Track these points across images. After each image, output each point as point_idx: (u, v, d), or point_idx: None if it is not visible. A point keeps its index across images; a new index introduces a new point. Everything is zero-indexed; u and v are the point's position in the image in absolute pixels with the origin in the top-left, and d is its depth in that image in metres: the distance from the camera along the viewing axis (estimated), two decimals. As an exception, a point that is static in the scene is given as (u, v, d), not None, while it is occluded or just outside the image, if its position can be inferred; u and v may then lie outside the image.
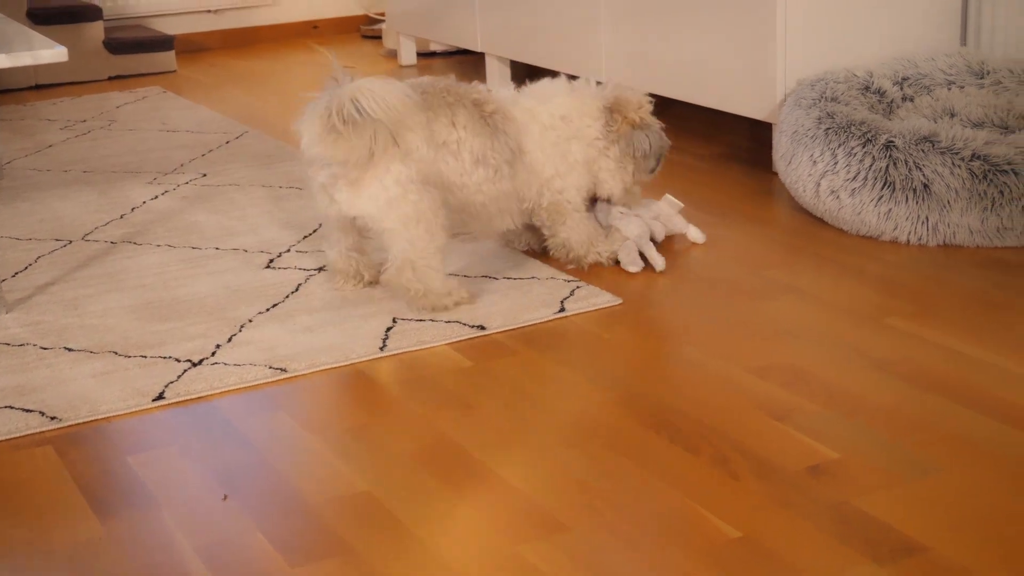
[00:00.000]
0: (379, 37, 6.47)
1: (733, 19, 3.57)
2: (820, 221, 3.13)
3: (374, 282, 2.80)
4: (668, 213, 3.02)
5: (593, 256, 2.89)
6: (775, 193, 3.44)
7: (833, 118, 3.05)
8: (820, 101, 3.15)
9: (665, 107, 4.45)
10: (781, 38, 3.41)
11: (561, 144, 2.84)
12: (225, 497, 1.98)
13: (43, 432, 2.24)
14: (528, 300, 2.72)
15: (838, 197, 2.99)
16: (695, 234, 3.04)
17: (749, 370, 2.35)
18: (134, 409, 2.31)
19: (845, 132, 3.00)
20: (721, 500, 1.91)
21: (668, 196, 3.03)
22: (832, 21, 3.46)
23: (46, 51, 2.74)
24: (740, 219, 3.22)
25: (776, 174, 3.56)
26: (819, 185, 3.03)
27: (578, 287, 2.78)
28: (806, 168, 3.06)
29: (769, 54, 3.45)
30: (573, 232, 2.87)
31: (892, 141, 2.92)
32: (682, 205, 3.04)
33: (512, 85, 4.97)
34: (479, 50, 5.01)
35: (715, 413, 2.19)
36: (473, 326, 2.60)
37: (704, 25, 3.70)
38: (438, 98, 2.69)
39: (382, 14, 6.58)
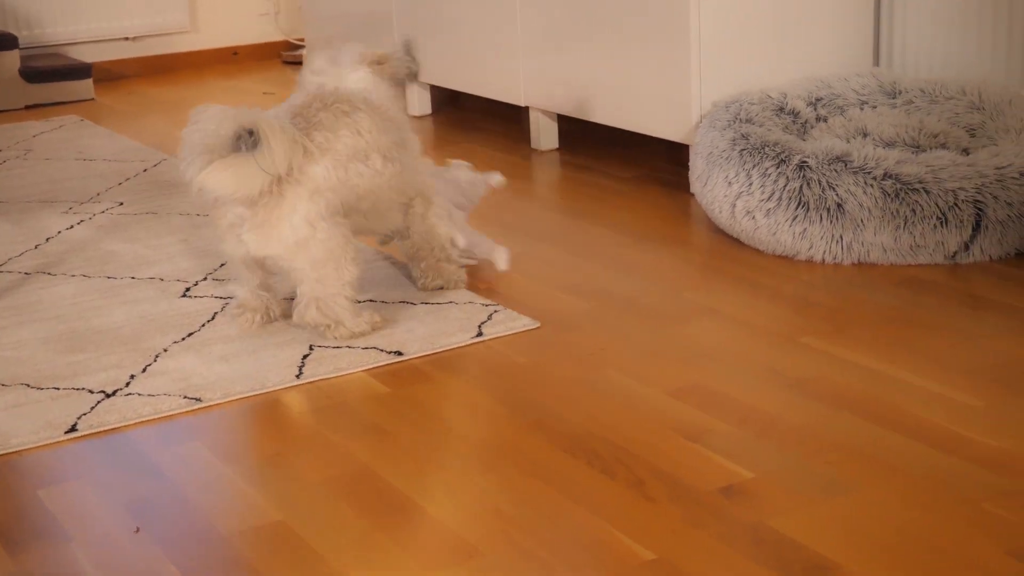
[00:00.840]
0: (300, 63, 6.45)
1: (648, 41, 3.60)
2: (737, 241, 3.16)
3: (285, 316, 2.77)
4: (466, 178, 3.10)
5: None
6: (692, 214, 3.46)
7: (747, 139, 3.08)
8: (735, 122, 3.18)
9: (587, 131, 4.48)
10: (696, 60, 3.44)
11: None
12: (137, 530, 1.96)
13: (-49, 467, 2.20)
14: (446, 325, 2.72)
15: (753, 217, 3.01)
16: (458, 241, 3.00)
17: (666, 392, 2.36)
18: (46, 442, 2.28)
19: (759, 153, 3.03)
20: (636, 523, 1.91)
21: (456, 161, 3.13)
22: (746, 42, 3.50)
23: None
24: (658, 241, 3.24)
25: (693, 195, 3.59)
26: (735, 206, 3.06)
27: (496, 311, 2.78)
28: (721, 189, 3.09)
29: (684, 76, 3.48)
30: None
31: (806, 161, 2.95)
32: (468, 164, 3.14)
33: (429, 109, 4.99)
34: (400, 75, 4.99)
35: (631, 436, 2.20)
36: (390, 352, 2.59)
37: (620, 47, 3.72)
38: (332, 112, 2.66)
39: (302, 40, 6.56)
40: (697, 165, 3.23)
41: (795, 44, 3.57)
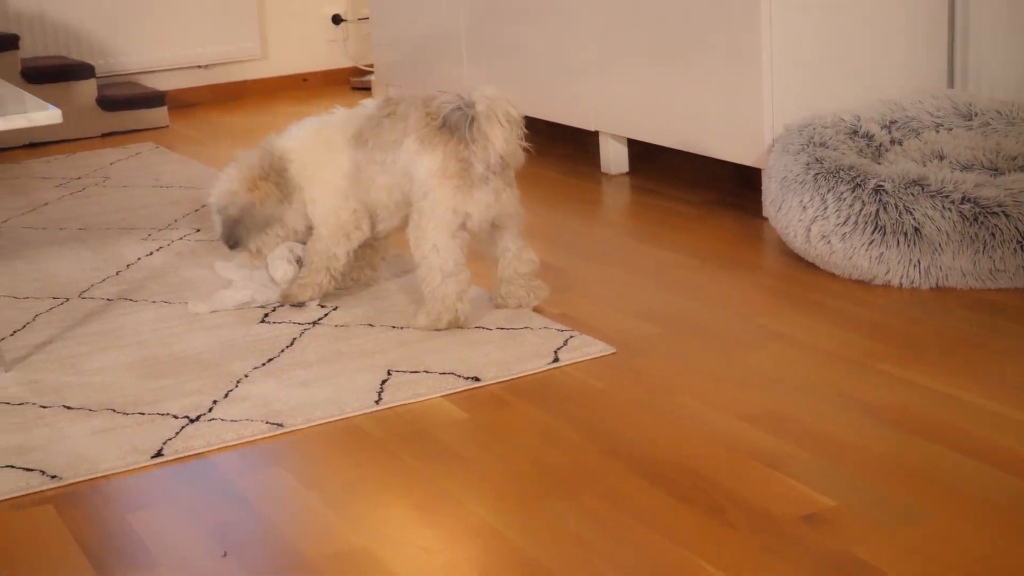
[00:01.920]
0: (369, 88, 6.52)
1: (720, 65, 3.61)
2: (811, 266, 3.16)
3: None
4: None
5: None
6: (765, 239, 3.46)
7: (822, 163, 3.09)
8: (808, 146, 3.18)
9: (655, 154, 4.49)
10: (768, 84, 3.45)
11: None
12: (224, 554, 1.99)
13: (43, 491, 2.25)
14: (522, 350, 2.74)
15: (829, 242, 3.01)
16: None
17: (741, 418, 2.37)
18: (133, 467, 2.32)
19: (834, 177, 3.03)
20: (717, 550, 1.92)
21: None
22: (818, 66, 3.50)
23: (41, 113, 2.77)
24: (731, 265, 3.24)
25: (765, 219, 3.59)
26: (809, 230, 3.06)
27: (571, 336, 2.80)
28: (796, 214, 3.09)
29: (756, 99, 3.49)
30: None
31: (882, 185, 2.95)
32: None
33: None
34: (469, 100, 5.03)
35: (708, 462, 2.20)
36: (467, 377, 2.62)
37: (691, 71, 3.74)
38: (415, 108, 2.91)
39: (371, 66, 6.63)
40: (771, 189, 3.23)
41: (868, 66, 3.57)
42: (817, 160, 3.11)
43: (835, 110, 3.45)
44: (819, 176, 3.06)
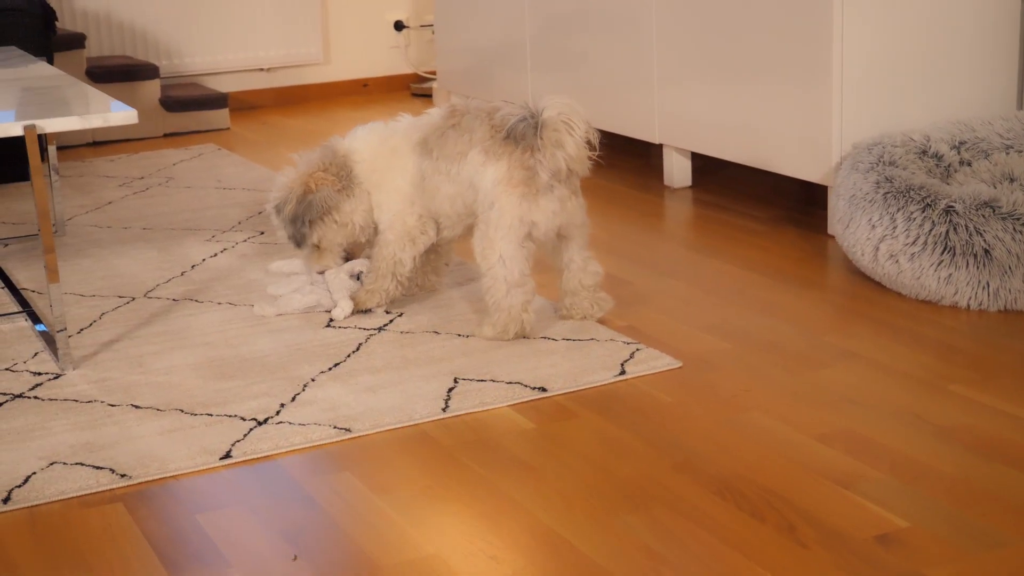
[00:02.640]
0: (429, 95, 6.54)
1: (789, 81, 3.59)
2: (878, 285, 3.14)
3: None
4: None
5: None
6: (830, 256, 3.44)
7: (892, 182, 3.07)
8: (878, 165, 3.16)
9: (718, 168, 4.48)
10: (837, 101, 3.43)
11: None
12: (295, 557, 2.00)
13: (113, 489, 2.27)
14: (588, 362, 2.73)
15: (897, 261, 2.99)
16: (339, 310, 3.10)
17: (812, 436, 2.35)
18: (202, 467, 2.33)
19: (904, 196, 3.01)
20: (790, 568, 1.91)
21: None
22: (888, 85, 3.48)
23: (117, 113, 2.79)
24: (796, 282, 3.23)
25: (831, 237, 3.57)
26: (878, 249, 3.04)
27: (638, 349, 2.79)
28: (864, 232, 3.07)
29: (825, 117, 3.47)
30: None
31: (952, 206, 2.92)
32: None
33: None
34: (531, 110, 5.04)
35: (779, 479, 2.19)
36: (535, 387, 2.62)
37: (759, 87, 3.72)
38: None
39: (432, 72, 6.65)
40: (839, 207, 3.21)
41: (937, 87, 3.55)
42: (887, 179, 3.09)
43: (903, 130, 3.43)
44: (889, 195, 3.04)
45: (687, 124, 4.10)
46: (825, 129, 3.48)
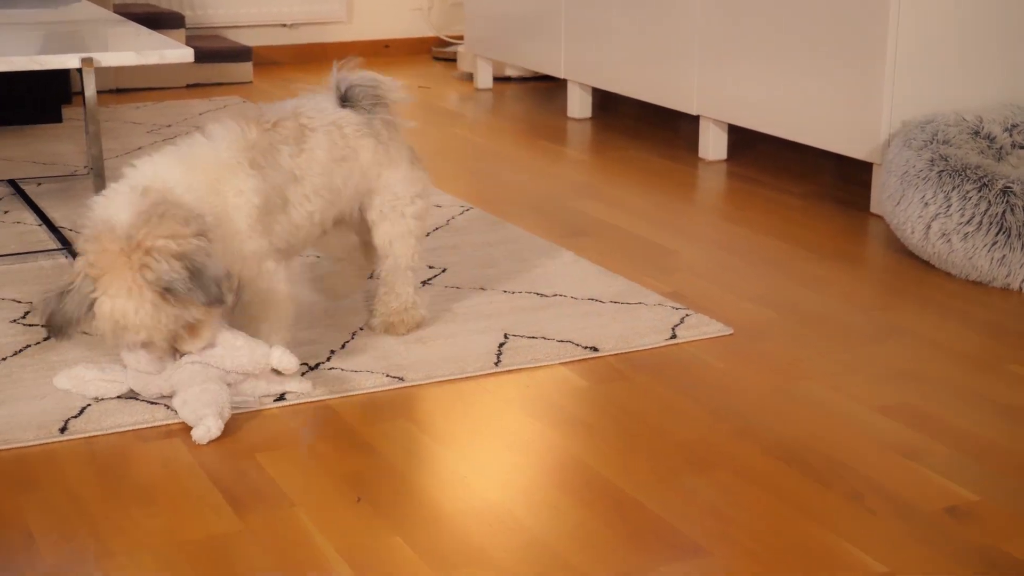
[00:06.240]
0: (451, 59, 6.49)
1: (839, 57, 3.57)
2: (925, 264, 3.12)
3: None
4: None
5: None
6: (871, 233, 3.43)
7: (947, 160, 3.05)
8: (932, 143, 3.14)
9: (753, 142, 4.46)
10: (889, 79, 3.41)
11: None
12: (359, 499, 1.98)
13: (169, 425, 2.24)
14: (638, 325, 2.71)
15: (949, 240, 2.98)
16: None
17: (872, 408, 2.34)
18: (255, 408, 2.31)
19: (960, 175, 2.99)
20: (861, 535, 1.89)
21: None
22: (941, 64, 3.45)
23: (172, 51, 2.76)
24: (839, 257, 3.21)
25: (872, 214, 3.55)
26: (929, 227, 3.02)
27: (687, 315, 2.77)
28: (916, 209, 3.05)
29: (875, 94, 3.45)
30: None
31: (1010, 187, 2.91)
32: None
33: (589, 113, 5.00)
34: (562, 77, 5.01)
35: (844, 449, 2.17)
36: (586, 347, 2.60)
37: (806, 61, 3.70)
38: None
39: (455, 37, 6.60)
40: (889, 184, 3.19)
41: (990, 68, 3.52)
42: (942, 157, 3.07)
43: (955, 110, 3.41)
44: (943, 173, 3.02)
45: (727, 96, 4.08)
46: (875, 106, 3.46)
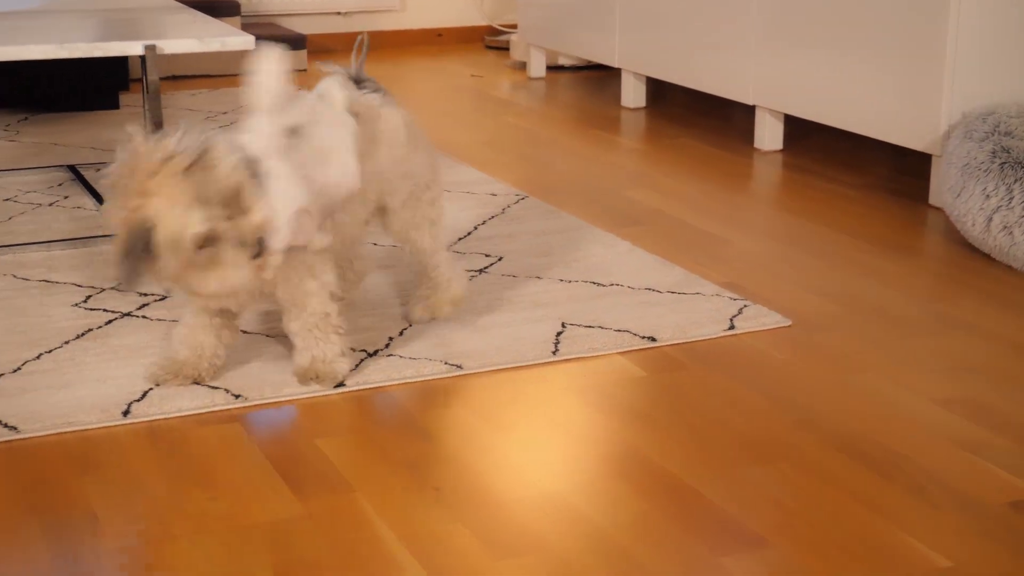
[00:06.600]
0: (504, 48, 6.49)
1: (898, 47, 3.54)
2: (985, 256, 3.09)
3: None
4: None
5: None
6: (930, 225, 3.40)
7: (1009, 152, 3.01)
8: (993, 134, 3.11)
9: (807, 133, 4.43)
10: (950, 69, 3.38)
11: None
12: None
13: (230, 409, 2.25)
14: (696, 315, 2.70)
15: (1011, 233, 2.95)
16: None
17: (933, 401, 2.32)
18: (315, 394, 2.32)
19: (1022, 167, 2.96)
20: (923, 529, 1.88)
21: None
22: (1002, 54, 3.42)
23: (234, 39, 2.77)
24: (898, 249, 3.19)
25: (931, 206, 3.53)
26: (991, 220, 2.99)
27: (745, 305, 2.76)
28: (977, 202, 3.02)
29: (935, 85, 3.42)
30: None
31: (1074, 180, 2.88)
32: None
33: (643, 102, 4.98)
34: (616, 66, 5.00)
35: (904, 441, 2.16)
36: (644, 336, 2.59)
37: (864, 51, 3.67)
38: None
39: (508, 26, 6.60)
40: (950, 175, 3.16)
41: (1051, 61, 3.48)
42: (1004, 149, 3.04)
43: (1017, 101, 3.37)
44: (1006, 165, 2.99)
45: (783, 86, 4.05)
46: (935, 97, 3.43)
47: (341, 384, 2.33)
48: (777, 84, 4.08)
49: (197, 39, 2.73)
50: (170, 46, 2.69)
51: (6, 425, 2.16)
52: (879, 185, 3.81)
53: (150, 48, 2.66)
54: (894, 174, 3.94)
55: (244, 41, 2.76)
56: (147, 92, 2.70)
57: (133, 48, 2.65)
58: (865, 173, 3.96)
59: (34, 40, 2.71)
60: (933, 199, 3.53)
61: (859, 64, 3.70)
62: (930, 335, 2.64)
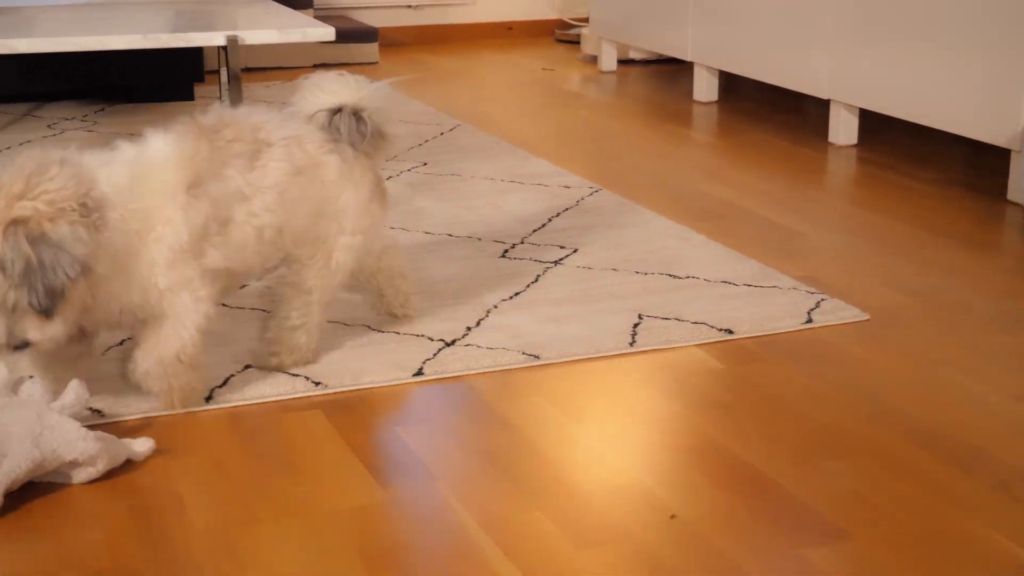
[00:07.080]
0: (574, 42, 6.49)
1: (977, 41, 3.50)
2: (1066, 253, 3.06)
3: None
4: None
5: None
6: (1008, 222, 3.36)
7: (1091, 149, 2.98)
8: (1075, 131, 3.08)
9: (882, 128, 4.40)
10: (1031, 65, 3.34)
11: None
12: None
13: (311, 396, 2.28)
14: (773, 308, 2.70)
15: (1093, 229, 2.91)
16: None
17: (1012, 397, 2.30)
18: (395, 382, 2.34)
19: (1105, 163, 2.92)
20: (1006, 523, 1.87)
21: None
22: (1084, 51, 3.38)
23: (314, 29, 2.79)
24: (974, 245, 3.16)
25: (1009, 202, 3.49)
26: (1072, 216, 2.96)
27: (823, 300, 2.75)
28: (1058, 198, 2.99)
29: (1016, 79, 3.38)
30: None
31: None
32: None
33: (715, 96, 4.96)
34: (688, 60, 4.99)
35: (984, 436, 2.14)
36: (721, 329, 2.59)
37: (944, 46, 3.64)
38: None
39: (579, 19, 6.60)
40: (1030, 171, 3.13)
41: None
42: (1086, 144, 3.00)
43: (1097, 96, 3.33)
44: (1088, 160, 2.96)
45: (859, 80, 4.02)
46: (1015, 92, 3.39)
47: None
48: (852, 78, 4.05)
49: (277, 30, 2.76)
50: (252, 36, 2.72)
51: (94, 410, 2.19)
52: (956, 180, 3.78)
53: (232, 39, 2.69)
54: (971, 169, 3.90)
55: (323, 32, 2.79)
56: (229, 82, 2.73)
57: (215, 39, 2.69)
58: (942, 168, 3.92)
59: (117, 31, 2.74)
60: (1012, 195, 3.49)
61: (937, 58, 3.67)
62: (1007, 331, 2.61)
